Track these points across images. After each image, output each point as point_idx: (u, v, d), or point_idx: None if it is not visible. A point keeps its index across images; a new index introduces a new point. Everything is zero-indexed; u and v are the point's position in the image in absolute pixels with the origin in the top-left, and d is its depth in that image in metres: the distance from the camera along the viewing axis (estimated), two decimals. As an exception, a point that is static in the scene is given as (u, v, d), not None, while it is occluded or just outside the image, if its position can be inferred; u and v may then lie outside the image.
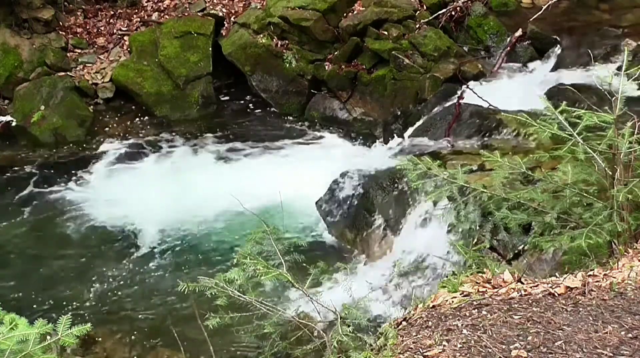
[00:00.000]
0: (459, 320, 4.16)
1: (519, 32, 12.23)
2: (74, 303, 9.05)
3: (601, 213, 5.33)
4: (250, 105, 13.29)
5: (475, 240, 7.72)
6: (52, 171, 11.87)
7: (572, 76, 11.05)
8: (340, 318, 4.97)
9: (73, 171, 11.83)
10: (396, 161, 9.17)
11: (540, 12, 11.96)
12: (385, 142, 11.79)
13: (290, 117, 12.93)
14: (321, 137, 12.42)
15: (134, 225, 10.42)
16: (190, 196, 10.86)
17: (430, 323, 4.22)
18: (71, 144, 12.45)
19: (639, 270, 4.61)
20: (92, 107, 13.05)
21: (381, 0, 12.81)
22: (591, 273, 4.69)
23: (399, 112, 12.16)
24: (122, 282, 9.47)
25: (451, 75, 11.89)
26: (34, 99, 12.69)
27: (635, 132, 5.47)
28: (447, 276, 5.43)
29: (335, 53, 12.79)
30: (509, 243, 7.78)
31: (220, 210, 10.38)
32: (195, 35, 13.23)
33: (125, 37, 13.65)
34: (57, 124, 12.55)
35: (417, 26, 12.56)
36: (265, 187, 10.07)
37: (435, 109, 11.45)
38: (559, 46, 11.83)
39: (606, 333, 3.97)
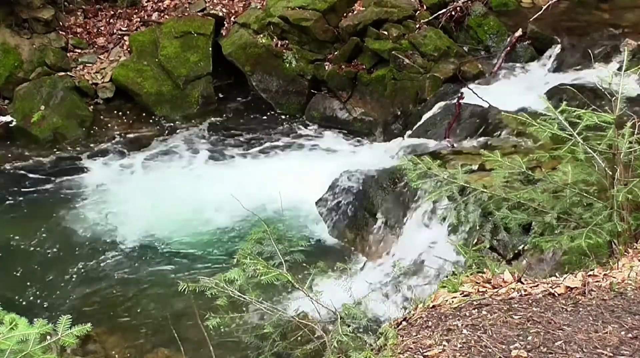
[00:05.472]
0: (459, 320, 4.16)
1: (519, 32, 12.22)
2: (74, 303, 9.05)
3: (601, 213, 5.32)
4: (250, 105, 13.29)
5: (475, 240, 7.72)
6: (52, 171, 11.87)
7: (572, 76, 11.05)
8: (340, 318, 4.97)
9: (73, 172, 11.83)
10: (396, 161, 9.18)
11: (540, 12, 11.95)
12: (385, 142, 11.80)
13: (290, 118, 12.93)
14: (321, 137, 12.42)
15: (134, 225, 10.41)
16: (190, 197, 10.86)
17: (430, 323, 4.22)
18: (71, 144, 12.44)
19: (639, 270, 4.61)
20: (92, 107, 13.05)
21: (381, 0, 12.80)
22: (591, 273, 4.69)
23: (399, 112, 12.16)
24: (121, 282, 9.47)
25: (451, 75, 11.89)
26: (34, 99, 12.69)
27: (635, 132, 5.47)
28: (447, 276, 5.43)
29: (335, 53, 12.80)
30: (509, 243, 7.78)
31: (221, 210, 10.38)
32: (195, 35, 13.23)
33: (125, 37, 13.65)
34: (57, 124, 12.55)
35: (417, 26, 12.56)
36: (266, 187, 10.08)
37: (435, 109, 11.44)
38: (559, 45, 11.83)
39: (606, 333, 3.97)
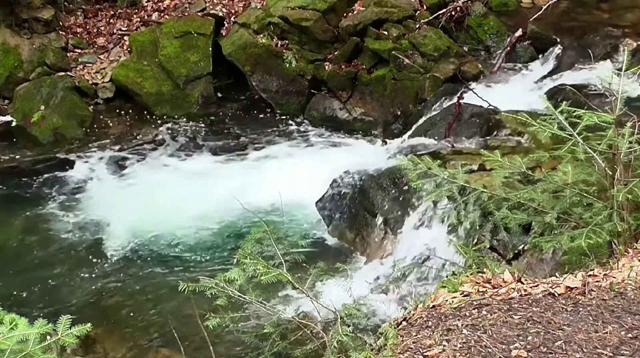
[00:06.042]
0: (459, 320, 4.16)
1: (519, 32, 12.23)
2: (74, 303, 9.05)
3: (601, 213, 5.32)
4: (250, 105, 13.28)
5: (475, 240, 7.72)
6: (52, 171, 11.86)
7: (572, 76, 11.05)
8: (340, 318, 4.97)
9: (73, 172, 11.83)
10: (396, 161, 9.18)
11: (540, 12, 11.94)
12: (385, 142, 11.80)
13: (290, 117, 12.93)
14: (321, 137, 12.41)
15: (134, 224, 10.40)
16: (190, 197, 10.85)
17: (430, 323, 4.22)
18: (71, 144, 12.44)
19: (639, 270, 4.61)
20: (92, 107, 13.05)
21: (381, 0, 12.80)
22: (591, 273, 4.69)
23: (399, 112, 12.16)
24: (122, 282, 9.46)
25: (451, 75, 11.89)
26: (34, 99, 12.69)
27: (635, 132, 5.47)
28: (447, 276, 5.43)
29: (335, 53, 12.80)
30: (509, 243, 7.78)
31: (221, 211, 10.38)
32: (195, 35, 13.23)
33: (125, 37, 13.65)
34: (57, 124, 12.55)
35: (417, 26, 12.56)
36: (266, 187, 10.08)
37: (435, 109, 11.45)
38: (559, 45, 11.83)
39: (606, 333, 3.97)
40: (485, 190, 5.91)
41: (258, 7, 13.43)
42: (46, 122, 12.53)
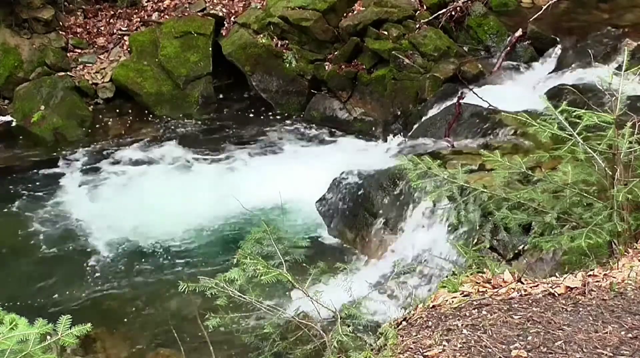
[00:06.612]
0: (459, 320, 4.16)
1: (519, 32, 12.23)
2: (74, 303, 9.05)
3: (601, 213, 5.32)
4: (250, 105, 13.29)
5: (475, 240, 7.72)
6: (52, 171, 11.86)
7: (572, 76, 11.05)
8: (340, 318, 4.97)
9: (73, 172, 11.83)
10: (396, 161, 9.17)
11: (540, 12, 11.95)
12: (385, 142, 11.80)
13: (290, 117, 12.93)
14: (321, 137, 12.42)
15: (134, 225, 10.41)
16: (190, 197, 10.86)
17: (430, 323, 4.22)
18: (71, 144, 12.44)
19: (639, 270, 4.61)
20: (92, 107, 13.06)
21: (381, 0, 12.81)
22: (591, 273, 4.69)
23: (399, 112, 12.17)
24: (121, 282, 9.47)
25: (451, 75, 11.90)
26: (34, 99, 12.70)
27: (635, 132, 5.47)
28: (447, 276, 5.43)
29: (335, 53, 12.80)
30: (509, 243, 7.78)
31: (221, 210, 10.38)
32: (195, 35, 13.23)
33: (125, 37, 13.65)
34: (57, 124, 12.56)
35: (417, 26, 12.56)
36: (266, 187, 10.08)
37: (435, 109, 11.45)
38: (559, 46, 11.84)
39: (606, 333, 3.97)
40: (485, 190, 5.91)
41: (258, 7, 13.44)
42: (46, 122, 12.54)
